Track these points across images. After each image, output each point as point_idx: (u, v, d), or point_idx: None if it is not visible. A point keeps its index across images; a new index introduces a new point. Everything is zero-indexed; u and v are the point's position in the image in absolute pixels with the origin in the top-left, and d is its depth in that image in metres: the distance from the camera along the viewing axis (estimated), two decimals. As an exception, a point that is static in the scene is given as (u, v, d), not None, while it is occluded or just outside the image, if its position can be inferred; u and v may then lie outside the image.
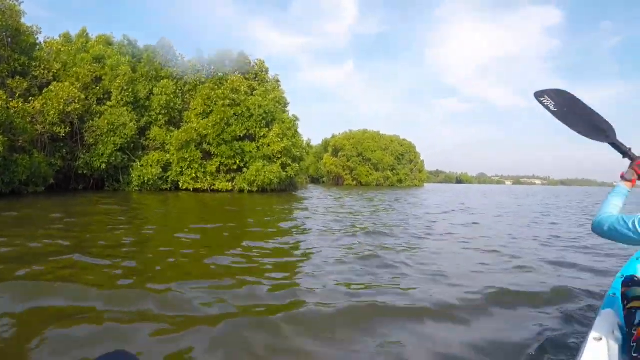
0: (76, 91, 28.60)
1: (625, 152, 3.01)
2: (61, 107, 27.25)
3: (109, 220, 13.40)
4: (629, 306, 2.76)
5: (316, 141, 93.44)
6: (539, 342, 4.21)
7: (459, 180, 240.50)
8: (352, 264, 7.72)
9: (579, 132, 3.41)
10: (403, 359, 3.96)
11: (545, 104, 3.54)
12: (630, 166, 2.88)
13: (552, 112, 3.51)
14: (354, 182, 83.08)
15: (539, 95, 3.61)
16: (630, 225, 2.39)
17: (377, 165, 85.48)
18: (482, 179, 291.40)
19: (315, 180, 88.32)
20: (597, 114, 3.42)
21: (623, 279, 3.17)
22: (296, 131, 40.18)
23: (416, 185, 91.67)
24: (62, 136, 27.94)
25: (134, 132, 31.47)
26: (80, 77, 30.57)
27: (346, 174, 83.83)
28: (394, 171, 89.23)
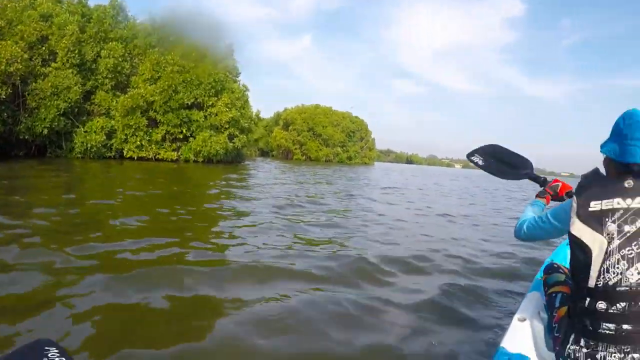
0: (19, 50, 27.56)
1: (541, 181, 3.54)
2: (2, 67, 26.25)
3: (39, 185, 13.68)
4: (549, 292, 2.92)
5: (269, 114, 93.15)
6: (462, 324, 4.45)
7: (409, 161, 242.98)
8: (256, 232, 8.33)
9: (505, 178, 4.04)
10: (278, 307, 4.47)
11: (475, 160, 4.15)
12: (544, 188, 3.34)
13: (481, 167, 4.12)
14: (303, 157, 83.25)
15: (470, 155, 4.21)
16: (545, 219, 2.60)
17: (328, 141, 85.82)
18: (432, 161, 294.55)
19: (265, 154, 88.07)
20: (518, 155, 4.02)
21: (544, 266, 3.39)
22: (246, 101, 40.23)
23: (365, 163, 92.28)
24: (3, 98, 26.89)
25: (78, 96, 30.62)
26: (25, 36, 29.32)
27: (296, 149, 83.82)
28: (344, 148, 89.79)
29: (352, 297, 4.95)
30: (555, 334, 2.46)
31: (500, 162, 4.03)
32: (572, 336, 2.26)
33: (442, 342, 4.03)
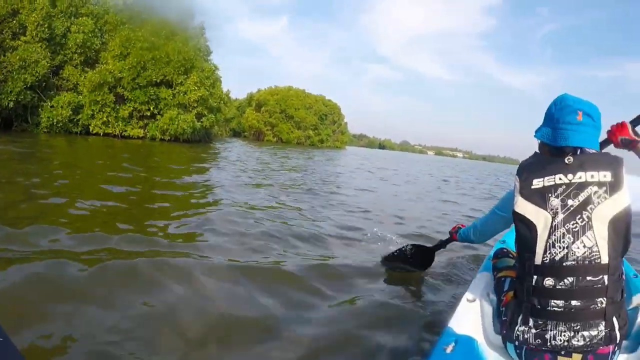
0: (-12, 24, 27.44)
1: (448, 239, 4.16)
2: (-29, 40, 26.10)
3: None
4: (498, 276, 2.91)
5: (243, 95, 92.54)
6: (412, 303, 4.26)
7: (382, 146, 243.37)
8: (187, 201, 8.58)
9: (432, 262, 4.84)
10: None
11: (407, 268, 4.91)
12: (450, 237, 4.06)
13: (413, 270, 4.89)
14: (275, 139, 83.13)
15: (387, 265, 5.02)
16: (492, 213, 3.02)
17: (300, 124, 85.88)
18: (404, 147, 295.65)
19: (238, 134, 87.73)
20: (416, 245, 4.86)
21: (494, 250, 3.43)
22: (215, 81, 40.32)
23: (337, 147, 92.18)
24: (-30, 71, 26.76)
25: (46, 70, 30.58)
26: (-5, 11, 29.18)
27: (267, 130, 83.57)
28: (316, 131, 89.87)
29: (285, 266, 4.92)
30: (503, 318, 2.44)
31: (416, 255, 4.76)
32: (520, 317, 2.26)
33: (388, 318, 3.84)
